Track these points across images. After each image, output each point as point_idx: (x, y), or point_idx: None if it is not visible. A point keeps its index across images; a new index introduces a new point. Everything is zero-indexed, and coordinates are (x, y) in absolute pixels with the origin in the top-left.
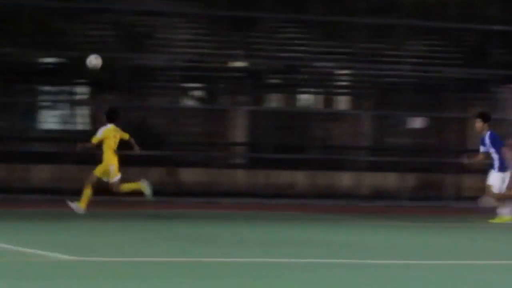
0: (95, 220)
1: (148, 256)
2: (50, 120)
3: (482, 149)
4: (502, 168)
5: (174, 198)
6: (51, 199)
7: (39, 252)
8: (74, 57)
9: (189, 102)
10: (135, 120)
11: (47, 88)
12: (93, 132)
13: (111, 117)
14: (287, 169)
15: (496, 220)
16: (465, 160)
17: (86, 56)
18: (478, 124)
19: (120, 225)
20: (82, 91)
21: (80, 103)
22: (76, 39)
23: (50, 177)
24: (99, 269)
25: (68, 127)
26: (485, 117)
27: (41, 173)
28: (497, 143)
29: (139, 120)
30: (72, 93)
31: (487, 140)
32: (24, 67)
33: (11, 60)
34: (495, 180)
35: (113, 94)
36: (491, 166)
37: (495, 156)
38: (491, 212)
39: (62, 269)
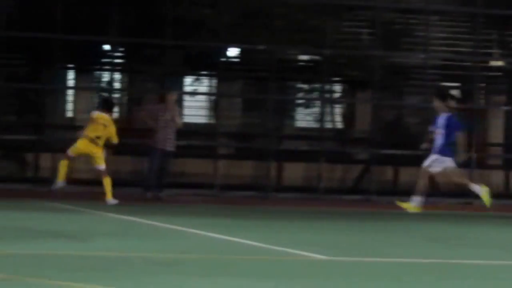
0: (343, 220)
1: (395, 257)
2: (303, 118)
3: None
4: (445, 152)
5: (429, 198)
6: (302, 197)
7: (290, 250)
8: (329, 54)
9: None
10: (389, 119)
11: (300, 85)
12: (344, 130)
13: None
14: None
15: (404, 206)
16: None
17: (341, 53)
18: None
19: (368, 225)
20: (335, 89)
21: (333, 101)
22: (331, 37)
23: (302, 175)
24: (352, 269)
25: (321, 125)
26: (443, 97)
27: (293, 171)
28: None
29: (394, 119)
30: (325, 91)
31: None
32: (277, 64)
33: (265, 57)
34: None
35: (367, 92)
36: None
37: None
38: None
39: (319, 268)
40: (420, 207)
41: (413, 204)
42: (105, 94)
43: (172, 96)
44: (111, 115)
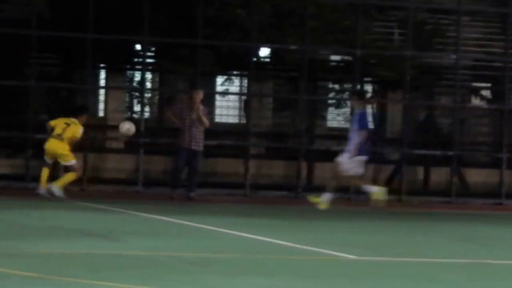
0: (373, 220)
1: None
2: (334, 117)
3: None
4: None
5: (459, 199)
6: (333, 197)
7: (321, 250)
8: (360, 54)
9: (476, 102)
10: (420, 119)
11: (331, 85)
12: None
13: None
14: None
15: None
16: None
17: (373, 54)
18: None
19: (400, 225)
20: (366, 89)
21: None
22: (363, 37)
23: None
24: (383, 269)
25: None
26: (360, 95)
27: (324, 171)
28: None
29: (425, 119)
30: (356, 91)
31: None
32: (309, 64)
33: (296, 57)
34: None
35: (398, 92)
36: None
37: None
38: None
39: (350, 268)
40: (328, 204)
41: (323, 200)
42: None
43: (197, 95)
44: (79, 118)
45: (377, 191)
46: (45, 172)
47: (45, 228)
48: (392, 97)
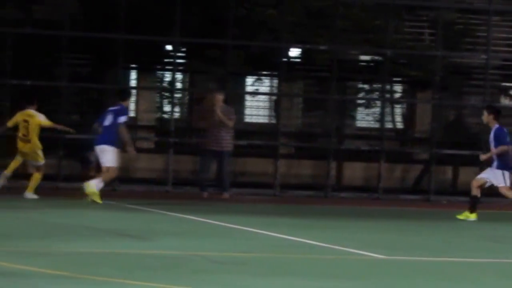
0: (402, 219)
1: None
2: (363, 117)
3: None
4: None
5: (488, 198)
6: (362, 197)
7: (350, 250)
8: (390, 54)
9: (505, 102)
10: (449, 119)
11: (361, 85)
12: (405, 130)
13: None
14: None
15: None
16: None
17: (403, 53)
18: None
19: (428, 225)
20: (396, 89)
21: (393, 101)
22: (393, 37)
23: (362, 175)
24: (412, 269)
25: (381, 125)
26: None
27: (353, 171)
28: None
29: (454, 119)
30: (385, 91)
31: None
32: (339, 64)
33: (326, 57)
34: None
35: (427, 92)
36: None
37: None
38: None
39: (379, 268)
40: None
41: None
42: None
43: (217, 98)
44: (34, 107)
45: None
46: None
47: (76, 227)
48: (422, 97)
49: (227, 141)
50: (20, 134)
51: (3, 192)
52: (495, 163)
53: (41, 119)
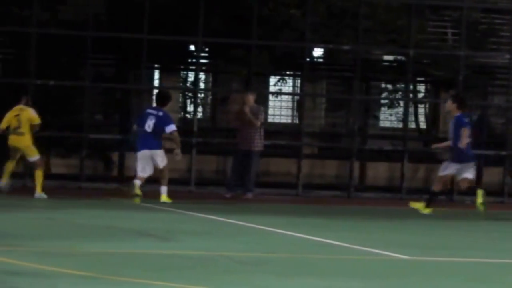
0: (426, 219)
1: (478, 257)
2: (386, 117)
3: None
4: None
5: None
6: (385, 197)
7: (373, 250)
8: (413, 54)
9: None
10: (473, 119)
11: (384, 85)
12: (429, 130)
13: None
14: None
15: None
16: None
17: (426, 53)
18: None
19: (452, 225)
20: (419, 89)
21: (417, 101)
22: (416, 37)
23: (385, 175)
24: (435, 269)
25: (405, 125)
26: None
27: (377, 171)
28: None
29: (478, 119)
30: (409, 91)
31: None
32: (362, 64)
33: (349, 57)
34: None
35: (451, 92)
36: None
37: None
38: None
39: (403, 268)
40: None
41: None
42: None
43: (249, 97)
44: (23, 102)
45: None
46: (9, 166)
47: (99, 227)
48: (445, 97)
49: (256, 141)
50: (11, 129)
51: (26, 192)
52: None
53: (32, 113)
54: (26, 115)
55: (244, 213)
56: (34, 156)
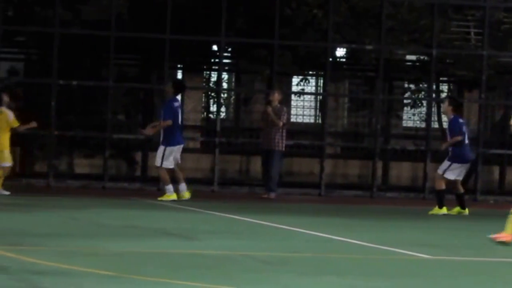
0: (449, 219)
1: (502, 256)
2: (409, 117)
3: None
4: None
5: None
6: (408, 197)
7: (396, 250)
8: (436, 54)
9: None
10: (497, 119)
11: (407, 85)
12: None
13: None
14: None
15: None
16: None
17: (449, 53)
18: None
19: (475, 225)
20: (443, 88)
21: (440, 100)
22: (439, 36)
23: (408, 175)
24: (459, 269)
25: (428, 124)
26: (176, 86)
27: (400, 171)
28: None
29: (501, 118)
30: (432, 91)
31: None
32: (385, 64)
33: (372, 57)
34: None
35: (474, 92)
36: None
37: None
38: None
39: (426, 268)
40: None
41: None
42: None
43: (276, 95)
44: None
45: None
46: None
47: (122, 227)
48: (468, 97)
49: (277, 141)
50: None
51: (50, 192)
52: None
53: (10, 118)
54: (4, 118)
55: (267, 213)
56: (5, 162)
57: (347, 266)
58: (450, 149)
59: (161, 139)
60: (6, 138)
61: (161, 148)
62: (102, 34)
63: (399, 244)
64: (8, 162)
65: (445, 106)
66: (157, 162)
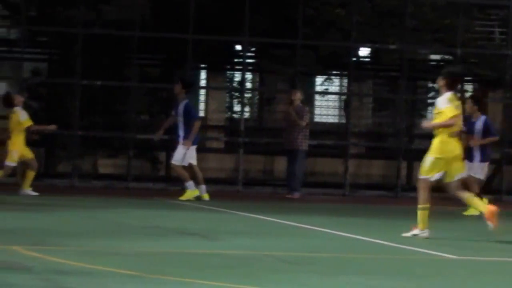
0: (473, 219)
1: None
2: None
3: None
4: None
5: None
6: (432, 197)
7: (420, 250)
8: (460, 54)
9: None
10: None
11: (431, 84)
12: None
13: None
14: None
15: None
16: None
17: (473, 52)
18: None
19: (499, 225)
20: (466, 88)
21: (464, 100)
22: (463, 36)
23: None
24: (483, 269)
25: None
26: (184, 84)
27: None
28: (191, 113)
29: None
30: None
31: (181, 108)
32: (408, 63)
33: (396, 56)
34: (179, 152)
35: (498, 91)
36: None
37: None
38: None
39: (450, 268)
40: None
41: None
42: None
43: (297, 94)
44: (13, 106)
45: None
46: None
47: (146, 227)
48: (493, 96)
49: (300, 140)
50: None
51: (73, 192)
52: (477, 156)
53: (22, 117)
54: (15, 119)
55: (290, 213)
56: (8, 161)
57: (371, 266)
58: (478, 150)
59: (181, 137)
60: (17, 138)
61: (184, 147)
62: (125, 34)
63: (423, 244)
64: (12, 162)
65: (469, 106)
66: (180, 161)
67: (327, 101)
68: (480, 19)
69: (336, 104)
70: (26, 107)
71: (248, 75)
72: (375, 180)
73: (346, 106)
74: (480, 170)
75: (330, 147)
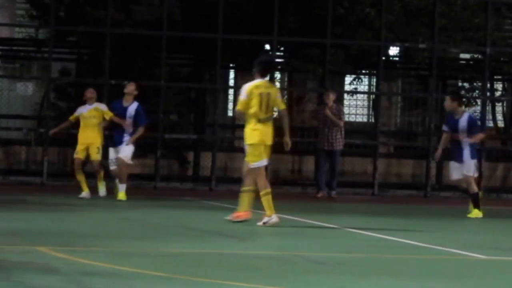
0: (504, 219)
1: None
2: None
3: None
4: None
5: None
6: (462, 196)
7: (450, 250)
8: (491, 52)
9: None
10: None
11: (461, 83)
12: (506, 129)
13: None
14: None
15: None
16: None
17: (503, 51)
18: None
19: None
20: (497, 87)
21: (494, 99)
22: (493, 35)
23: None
24: None
25: (482, 123)
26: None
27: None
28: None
29: None
30: (486, 89)
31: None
32: (438, 62)
33: (426, 55)
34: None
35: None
36: None
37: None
38: None
39: (481, 268)
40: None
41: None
42: None
43: (330, 95)
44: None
45: None
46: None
47: (175, 227)
48: None
49: (338, 141)
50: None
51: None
52: (466, 154)
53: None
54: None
55: (320, 213)
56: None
57: (402, 267)
58: (469, 146)
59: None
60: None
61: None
62: (154, 34)
63: (454, 244)
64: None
65: (448, 103)
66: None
67: (356, 100)
68: (510, 17)
69: (365, 103)
70: (53, 107)
71: (278, 74)
72: (404, 179)
73: (375, 105)
74: (471, 167)
75: (359, 146)
